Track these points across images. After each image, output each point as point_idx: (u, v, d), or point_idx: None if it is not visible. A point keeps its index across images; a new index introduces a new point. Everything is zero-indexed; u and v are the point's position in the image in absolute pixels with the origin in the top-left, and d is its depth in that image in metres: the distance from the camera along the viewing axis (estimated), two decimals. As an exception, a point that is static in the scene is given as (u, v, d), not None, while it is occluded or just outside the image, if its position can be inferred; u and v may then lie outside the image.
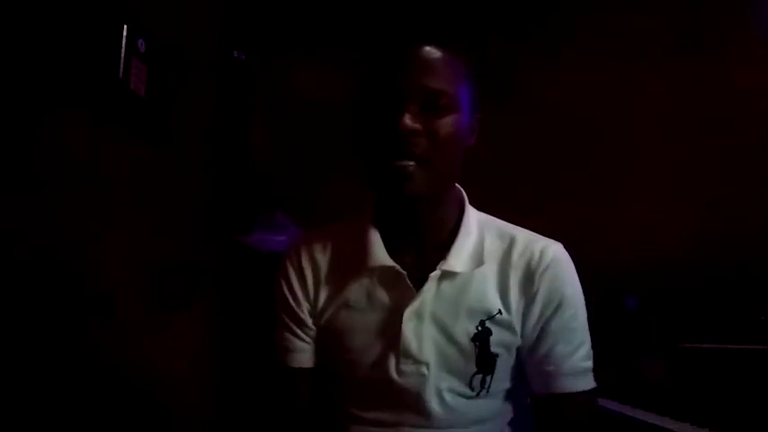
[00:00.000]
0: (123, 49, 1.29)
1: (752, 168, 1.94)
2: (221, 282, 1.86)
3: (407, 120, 0.83)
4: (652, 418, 1.43)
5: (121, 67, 1.29)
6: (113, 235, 1.34)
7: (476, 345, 0.90)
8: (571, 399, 0.91)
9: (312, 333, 0.98)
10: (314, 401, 0.99)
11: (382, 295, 0.93)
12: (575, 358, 0.91)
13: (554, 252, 0.93)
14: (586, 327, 0.94)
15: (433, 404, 0.91)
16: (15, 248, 1.07)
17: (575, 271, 0.95)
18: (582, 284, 0.95)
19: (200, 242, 1.76)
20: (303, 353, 0.98)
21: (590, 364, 0.93)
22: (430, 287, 0.91)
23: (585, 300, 0.95)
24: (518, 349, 0.93)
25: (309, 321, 0.98)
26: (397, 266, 0.91)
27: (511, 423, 0.97)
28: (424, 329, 0.91)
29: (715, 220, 1.96)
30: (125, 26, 1.30)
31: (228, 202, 1.88)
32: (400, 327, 0.90)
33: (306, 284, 0.98)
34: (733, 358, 1.53)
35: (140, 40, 1.36)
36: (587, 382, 0.92)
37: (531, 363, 0.93)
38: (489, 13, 2.17)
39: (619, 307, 1.88)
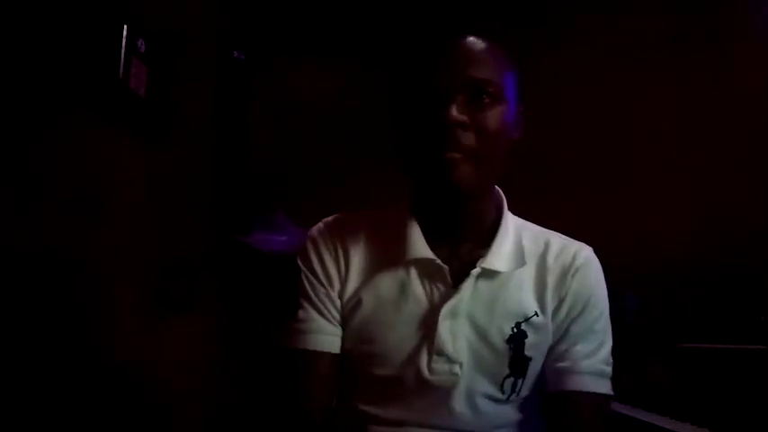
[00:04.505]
0: (123, 49, 1.30)
1: (752, 168, 1.94)
2: (221, 282, 1.86)
3: (454, 111, 0.81)
4: (652, 418, 1.43)
5: (121, 67, 1.29)
6: (113, 235, 1.34)
7: (510, 347, 0.87)
8: (582, 398, 0.87)
9: (339, 319, 0.92)
10: (334, 396, 0.92)
11: (417, 289, 0.89)
12: (593, 359, 0.89)
13: (586, 255, 0.93)
14: (609, 332, 0.92)
15: (461, 405, 0.88)
16: (15, 248, 1.07)
17: (603, 276, 0.94)
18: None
19: (201, 242, 1.76)
20: (329, 335, 0.90)
21: (608, 369, 0.90)
22: (468, 285, 0.88)
23: None
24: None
25: (338, 303, 0.91)
26: (438, 260, 0.89)
27: (533, 426, 0.93)
28: (460, 328, 0.88)
29: (715, 220, 1.95)
30: (125, 26, 1.30)
31: (228, 201, 1.88)
32: (435, 323, 0.87)
33: (339, 266, 0.92)
34: (733, 358, 1.53)
35: (140, 40, 1.36)
36: (601, 385, 0.88)
37: (549, 359, 0.90)
38: (489, 13, 2.17)
39: (618, 307, 1.88)
